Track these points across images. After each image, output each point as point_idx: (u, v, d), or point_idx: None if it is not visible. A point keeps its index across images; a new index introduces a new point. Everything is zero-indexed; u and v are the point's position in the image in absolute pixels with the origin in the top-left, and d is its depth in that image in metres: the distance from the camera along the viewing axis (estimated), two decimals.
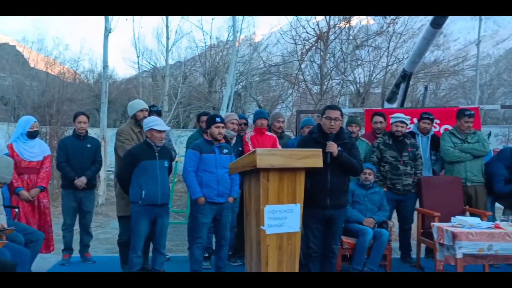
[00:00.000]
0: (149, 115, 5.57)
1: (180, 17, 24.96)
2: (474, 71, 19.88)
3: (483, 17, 18.81)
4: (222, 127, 5.14)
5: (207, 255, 5.75)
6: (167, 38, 20.21)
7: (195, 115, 24.34)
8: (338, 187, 4.59)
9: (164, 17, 18.36)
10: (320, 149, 4.23)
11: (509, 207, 6.09)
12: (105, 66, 11.55)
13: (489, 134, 6.74)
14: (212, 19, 26.00)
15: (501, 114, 23.85)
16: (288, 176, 4.13)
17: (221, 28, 48.89)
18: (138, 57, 22.08)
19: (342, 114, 4.69)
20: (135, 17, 19.22)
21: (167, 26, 18.95)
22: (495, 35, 79.53)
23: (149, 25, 70.39)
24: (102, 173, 10.75)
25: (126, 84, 30.14)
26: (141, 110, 5.57)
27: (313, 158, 4.16)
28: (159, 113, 6.13)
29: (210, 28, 30.34)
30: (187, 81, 24.13)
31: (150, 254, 5.28)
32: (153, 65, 26.83)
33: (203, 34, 25.41)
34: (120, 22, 17.45)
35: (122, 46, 48.31)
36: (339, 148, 4.53)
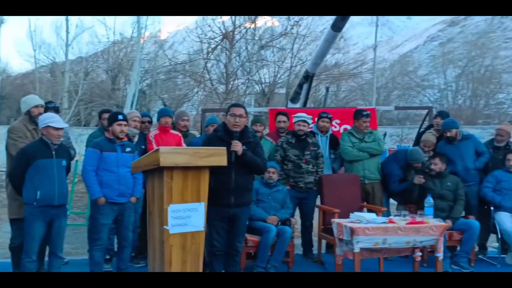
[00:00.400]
0: (45, 111, 5.24)
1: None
2: (371, 75, 20.94)
3: (379, 23, 19.85)
4: (125, 125, 4.98)
5: (108, 257, 5.55)
6: (67, 32, 19.32)
7: (97, 113, 23.53)
8: (242, 186, 4.61)
9: None
10: (225, 148, 4.24)
11: (402, 203, 6.45)
12: None
13: (385, 134, 7.14)
14: None
15: (395, 116, 25.33)
16: (192, 174, 4.11)
17: (125, 23, 47.68)
18: (34, 50, 20.94)
19: (246, 113, 4.72)
20: None
21: (66, 20, 18.12)
22: (390, 41, 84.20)
23: (47, 17, 66.73)
24: None
25: (22, 79, 28.44)
26: (36, 106, 5.22)
27: (217, 157, 4.16)
28: (56, 110, 5.81)
29: (113, 24, 29.50)
30: (88, 77, 23.25)
31: (46, 258, 5.00)
32: (51, 60, 25.51)
33: (106, 30, 24.62)
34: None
35: (17, 39, 45.40)
36: (244, 146, 4.55)
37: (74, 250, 6.91)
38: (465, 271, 5.68)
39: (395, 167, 6.51)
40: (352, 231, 4.83)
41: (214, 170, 4.22)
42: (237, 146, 4.48)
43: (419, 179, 6.08)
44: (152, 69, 22.69)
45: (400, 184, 6.40)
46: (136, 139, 5.73)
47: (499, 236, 6.12)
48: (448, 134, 6.44)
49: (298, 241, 6.29)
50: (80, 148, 8.57)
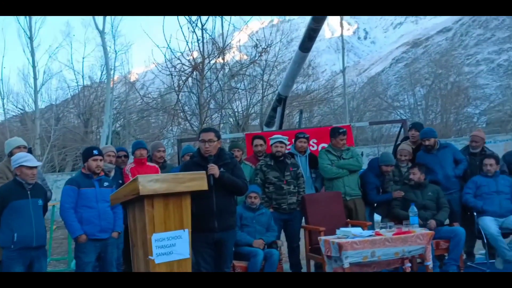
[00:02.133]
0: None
1: (47, 56, 23.82)
2: (342, 98, 21.22)
3: (345, 50, 20.27)
4: (100, 160, 4.91)
5: None
6: (35, 79, 19.10)
7: (71, 158, 23.24)
8: (225, 208, 4.53)
9: (29, 56, 17.35)
10: (204, 172, 4.18)
11: (385, 216, 6.44)
12: None
13: (362, 154, 7.16)
14: (83, 58, 25.29)
15: (370, 136, 25.66)
16: (173, 201, 4.01)
17: (93, 67, 47.62)
18: (2, 99, 20.68)
19: (218, 135, 4.66)
20: None
21: (33, 66, 17.93)
22: (357, 65, 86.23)
23: (13, 65, 66.27)
24: None
25: None
26: (18, 147, 5.20)
27: (198, 181, 4.08)
28: (29, 151, 5.70)
29: (81, 68, 29.43)
30: (60, 123, 23.02)
31: None
32: (20, 109, 25.22)
33: (75, 74, 24.44)
34: None
35: None
36: (221, 169, 4.49)
37: None
38: None
39: (370, 175, 6.61)
40: (340, 247, 4.77)
41: (194, 195, 4.14)
42: (214, 169, 4.41)
43: (398, 193, 6.12)
44: (124, 110, 22.62)
45: (380, 195, 6.46)
46: (112, 174, 5.65)
47: (485, 241, 6.13)
48: (427, 142, 6.51)
49: (286, 265, 6.19)
50: (56, 194, 8.40)
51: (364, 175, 6.70)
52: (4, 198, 4.43)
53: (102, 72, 23.88)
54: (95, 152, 4.87)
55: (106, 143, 14.11)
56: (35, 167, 4.56)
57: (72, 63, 26.19)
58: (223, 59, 14.42)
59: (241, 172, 4.73)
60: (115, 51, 20.94)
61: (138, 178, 3.83)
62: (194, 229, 4.11)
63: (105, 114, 15.10)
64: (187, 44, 12.12)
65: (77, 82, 24.67)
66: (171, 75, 11.92)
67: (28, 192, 4.51)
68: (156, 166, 6.06)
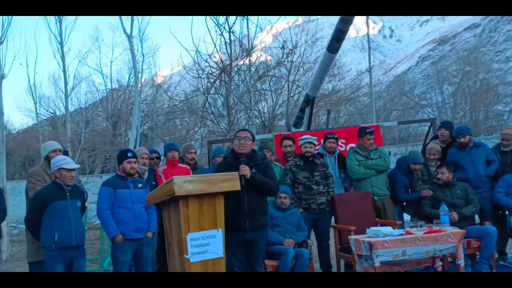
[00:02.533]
0: None
1: (77, 61, 24.25)
2: (369, 98, 21.10)
3: (371, 49, 20.12)
4: (134, 162, 5.05)
5: None
6: (65, 83, 19.49)
7: (101, 161, 23.69)
8: (256, 209, 4.61)
9: (60, 61, 17.71)
10: (236, 172, 4.26)
11: (414, 215, 6.44)
12: (0, 113, 10.91)
13: (389, 153, 7.16)
14: (111, 61, 25.70)
15: (397, 135, 25.44)
16: (207, 202, 4.11)
17: (121, 70, 48.27)
18: (35, 104, 21.17)
19: (253, 137, 4.77)
20: (30, 62, 18.46)
21: (64, 71, 18.31)
22: (383, 64, 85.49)
23: (44, 70, 67.80)
24: (4, 227, 10.05)
25: (24, 135, 28.70)
26: (54, 151, 5.35)
27: (230, 182, 4.17)
28: (65, 154, 5.89)
29: (109, 71, 30.03)
30: (89, 126, 23.46)
31: None
32: (51, 113, 25.78)
33: (103, 78, 24.88)
34: (13, 68, 16.71)
35: (17, 95, 46.18)
36: (253, 170, 4.57)
37: None
38: None
39: (399, 174, 6.64)
40: (371, 246, 4.80)
41: (226, 196, 4.23)
42: (245, 170, 4.50)
43: (427, 192, 6.13)
44: (151, 112, 22.92)
45: (408, 194, 6.46)
46: (146, 175, 5.78)
47: None
48: (462, 139, 6.49)
49: (316, 264, 6.24)
50: (87, 196, 8.63)
51: (393, 174, 6.72)
52: (45, 200, 4.60)
53: (129, 75, 24.26)
54: (129, 154, 5.01)
55: (135, 146, 14.33)
56: (74, 169, 4.73)
57: (100, 67, 26.46)
58: (249, 60, 14.55)
59: (272, 173, 4.81)
60: (143, 55, 21.23)
61: (173, 179, 3.93)
62: (226, 229, 4.20)
63: (133, 117, 15.31)
64: (215, 46, 12.26)
65: (105, 86, 25.11)
66: (200, 77, 12.06)
67: (67, 193, 4.68)
68: (188, 167, 6.17)
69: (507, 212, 6.26)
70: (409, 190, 6.63)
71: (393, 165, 7.01)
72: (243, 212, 4.53)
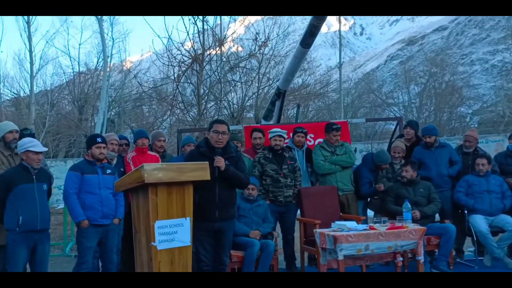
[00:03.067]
0: (21, 138, 5.22)
1: (44, 42, 23.73)
2: (337, 94, 21.33)
3: (342, 45, 20.35)
4: (104, 147, 5.00)
5: None
6: (31, 64, 18.97)
7: (65, 145, 23.23)
8: (226, 200, 4.68)
9: (26, 41, 17.25)
10: (207, 162, 4.28)
11: (378, 211, 6.59)
12: None
13: (355, 150, 7.29)
14: (80, 44, 25.18)
15: (364, 132, 25.83)
16: (176, 190, 4.12)
17: (89, 53, 47.31)
18: None
19: (229, 129, 4.81)
20: None
21: (30, 51, 17.83)
22: (353, 61, 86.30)
23: (9, 49, 65.73)
24: None
25: None
26: (11, 132, 5.22)
27: (201, 171, 4.19)
28: (32, 136, 5.77)
29: (77, 54, 29.34)
30: (54, 109, 22.94)
31: None
32: (15, 94, 25.06)
33: (71, 60, 24.37)
34: None
35: None
36: (226, 162, 4.62)
37: None
38: None
39: (364, 170, 6.77)
40: (335, 239, 4.91)
41: (198, 186, 4.25)
42: (220, 162, 4.55)
43: (379, 187, 6.40)
44: (119, 98, 22.58)
45: (370, 188, 6.63)
46: (114, 161, 5.73)
47: (475, 239, 6.30)
48: (428, 139, 6.67)
49: (281, 256, 6.32)
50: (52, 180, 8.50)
51: (358, 169, 6.86)
52: (11, 182, 4.52)
53: (98, 59, 23.84)
54: (98, 139, 4.96)
55: (101, 131, 14.12)
56: (41, 152, 4.66)
57: (68, 49, 26.05)
58: (221, 50, 14.50)
59: (244, 166, 4.88)
60: (112, 39, 20.88)
61: (143, 167, 3.93)
62: (195, 218, 4.23)
63: (100, 102, 15.04)
64: (187, 35, 12.16)
65: (73, 69, 24.59)
66: (172, 65, 11.96)
67: (34, 176, 4.61)
68: (157, 155, 6.15)
69: (466, 211, 6.47)
70: (373, 185, 6.77)
71: (358, 162, 7.14)
72: (214, 202, 4.58)
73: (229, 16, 15.04)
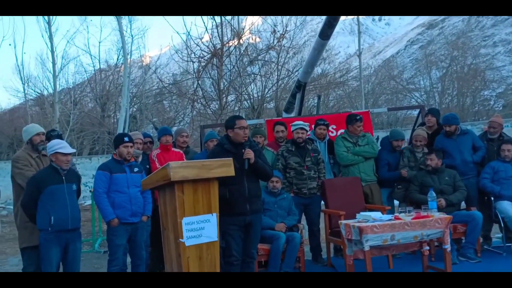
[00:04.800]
0: (49, 139, 5.35)
1: (65, 41, 24.01)
2: (357, 81, 21.19)
3: (360, 32, 20.15)
4: (131, 147, 5.10)
5: None
6: (53, 64, 19.25)
7: (89, 142, 23.59)
8: (255, 193, 4.77)
9: (48, 41, 17.50)
10: (231, 158, 4.35)
11: (402, 200, 6.58)
12: None
13: (377, 138, 7.27)
14: (99, 42, 25.47)
15: (386, 120, 25.61)
16: (202, 187, 4.19)
17: (109, 51, 47.86)
18: (23, 84, 20.95)
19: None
20: (17, 42, 18.19)
21: (52, 51, 18.09)
22: (372, 48, 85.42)
23: (32, 50, 66.86)
24: None
25: (10, 115, 28.43)
26: (38, 134, 5.34)
27: (225, 167, 4.26)
28: (60, 137, 5.89)
29: (98, 52, 29.51)
30: (77, 107, 23.29)
31: None
32: (39, 93, 25.51)
33: (91, 58, 24.74)
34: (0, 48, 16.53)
35: (2, 75, 45.80)
36: None
37: None
38: (472, 261, 5.81)
39: (382, 153, 6.78)
40: (361, 230, 4.92)
41: (226, 181, 4.33)
42: (250, 154, 4.64)
43: (404, 172, 6.38)
44: (140, 94, 22.80)
45: (390, 171, 6.62)
46: (140, 159, 5.83)
47: (502, 225, 6.25)
48: (447, 129, 6.60)
49: (307, 247, 6.37)
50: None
51: (378, 154, 6.83)
52: (41, 183, 4.64)
53: (118, 56, 24.09)
54: (126, 139, 5.06)
55: (124, 127, 14.30)
56: (70, 153, 4.77)
57: (89, 47, 26.31)
58: (239, 42, 14.49)
59: (266, 159, 4.95)
60: (131, 36, 21.10)
61: (169, 165, 4.00)
62: (227, 213, 4.32)
63: (122, 98, 15.22)
64: (206, 30, 12.20)
65: (94, 66, 24.91)
66: (191, 61, 12.02)
67: (63, 177, 4.72)
68: (181, 151, 6.23)
69: (492, 198, 6.42)
70: (393, 168, 6.73)
71: None
72: (244, 196, 4.66)
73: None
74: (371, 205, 6.38)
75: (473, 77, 30.23)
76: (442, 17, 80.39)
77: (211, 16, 11.85)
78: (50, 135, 5.65)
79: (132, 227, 4.99)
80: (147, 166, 5.87)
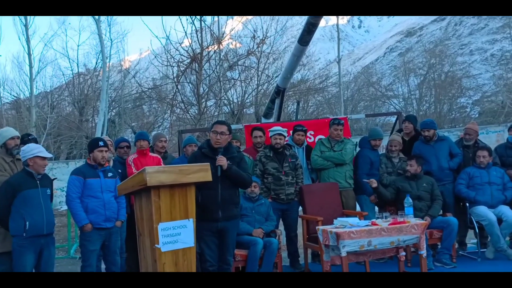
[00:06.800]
0: (24, 143, 5.25)
1: (42, 44, 23.76)
2: (337, 88, 21.33)
3: (340, 39, 20.32)
4: (105, 151, 5.03)
5: None
6: (30, 67, 18.95)
7: (66, 146, 23.27)
8: (229, 199, 4.71)
9: (25, 44, 17.27)
10: (208, 163, 4.31)
11: (382, 206, 6.59)
12: None
13: (356, 144, 7.29)
14: (78, 46, 25.23)
15: (364, 125, 25.84)
16: (179, 192, 4.15)
17: (88, 54, 47.35)
18: None
19: (229, 130, 4.83)
20: None
21: (28, 54, 17.83)
22: (351, 54, 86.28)
23: (8, 52, 65.90)
24: None
25: None
26: (12, 138, 5.25)
27: (202, 173, 4.22)
28: (35, 141, 5.79)
29: (76, 55, 29.22)
30: (55, 111, 22.98)
31: None
32: (15, 96, 25.08)
33: (69, 62, 24.39)
34: None
35: None
36: (228, 162, 4.65)
37: None
38: (448, 267, 5.86)
39: (364, 151, 6.81)
40: (338, 236, 4.93)
41: (200, 186, 4.29)
42: (222, 161, 4.59)
43: (371, 182, 6.14)
44: (119, 98, 22.61)
45: (364, 180, 6.48)
46: (111, 163, 5.74)
47: (477, 231, 6.33)
48: (426, 133, 6.66)
49: (284, 253, 6.36)
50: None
51: (358, 154, 6.86)
52: (16, 188, 4.56)
53: (97, 60, 23.84)
54: (100, 143, 4.99)
55: (102, 132, 14.16)
56: (47, 158, 4.70)
57: (67, 51, 25.94)
58: (219, 48, 14.48)
59: (246, 166, 4.92)
60: (111, 39, 20.92)
61: (145, 170, 3.95)
62: (199, 218, 4.27)
63: (100, 102, 15.09)
64: (185, 34, 12.16)
65: (72, 70, 24.61)
66: (170, 65, 11.98)
67: (38, 181, 4.65)
68: (159, 156, 6.17)
69: (467, 204, 6.49)
70: (375, 167, 6.72)
71: None
72: (216, 202, 4.63)
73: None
74: (349, 211, 6.39)
75: (450, 85, 30.76)
76: (420, 25, 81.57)
77: (191, 21, 11.85)
78: (27, 139, 5.54)
79: (105, 233, 4.91)
80: (119, 171, 5.78)
